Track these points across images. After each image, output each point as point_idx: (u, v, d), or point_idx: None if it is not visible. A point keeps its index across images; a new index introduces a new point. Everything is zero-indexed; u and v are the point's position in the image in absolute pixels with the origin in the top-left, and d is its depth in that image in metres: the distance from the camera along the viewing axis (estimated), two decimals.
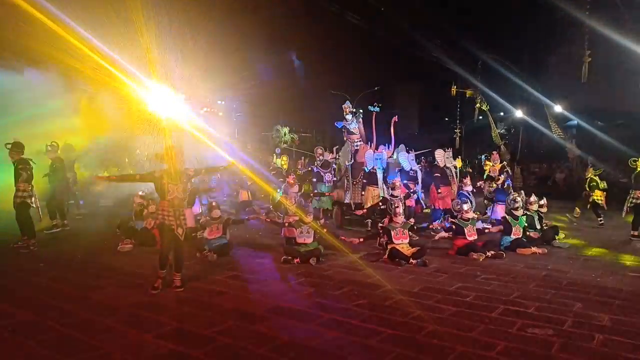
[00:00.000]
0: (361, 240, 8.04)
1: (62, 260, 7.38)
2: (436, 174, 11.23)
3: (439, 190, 10.96)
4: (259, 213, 10.95)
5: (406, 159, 11.42)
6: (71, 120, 13.31)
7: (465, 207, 8.48)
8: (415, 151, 12.24)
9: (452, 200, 10.72)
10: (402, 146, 11.89)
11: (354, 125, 11.77)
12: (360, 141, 11.75)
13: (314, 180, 12.14)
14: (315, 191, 11.80)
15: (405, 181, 11.06)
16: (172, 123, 10.67)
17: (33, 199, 8.51)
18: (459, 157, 13.78)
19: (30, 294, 5.59)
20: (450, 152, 11.83)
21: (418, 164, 11.81)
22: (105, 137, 14.23)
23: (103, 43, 10.92)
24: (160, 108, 11.16)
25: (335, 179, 11.94)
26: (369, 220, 10.24)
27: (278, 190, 10.89)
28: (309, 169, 12.94)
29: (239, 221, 8.43)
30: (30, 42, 11.24)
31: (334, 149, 12.91)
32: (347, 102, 12.21)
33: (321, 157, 12.31)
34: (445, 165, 11.43)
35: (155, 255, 6.11)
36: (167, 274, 5.92)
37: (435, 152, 11.73)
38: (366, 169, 10.86)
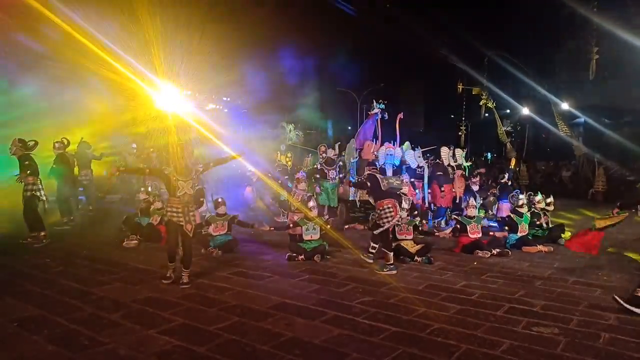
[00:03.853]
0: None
1: (67, 256, 7.39)
2: (439, 172, 11.14)
3: (442, 189, 10.90)
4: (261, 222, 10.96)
5: (412, 156, 11.37)
6: (77, 117, 13.34)
7: (471, 204, 8.45)
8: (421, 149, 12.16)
9: (455, 198, 10.72)
10: (407, 143, 11.83)
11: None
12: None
13: (317, 176, 12.04)
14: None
15: (412, 179, 10.98)
16: (178, 119, 10.70)
17: (42, 192, 8.57)
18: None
19: (36, 289, 5.61)
20: (453, 151, 11.68)
21: (425, 160, 11.70)
22: (113, 134, 14.35)
23: (110, 40, 10.97)
24: (166, 104, 11.17)
25: (341, 175, 11.86)
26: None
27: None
28: (315, 166, 12.83)
29: (246, 224, 8.37)
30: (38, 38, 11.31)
31: (337, 145, 12.82)
32: (380, 104, 11.80)
33: (324, 155, 12.23)
34: (448, 164, 11.37)
35: (161, 251, 6.13)
36: (177, 269, 5.95)
37: (441, 149, 11.67)
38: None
